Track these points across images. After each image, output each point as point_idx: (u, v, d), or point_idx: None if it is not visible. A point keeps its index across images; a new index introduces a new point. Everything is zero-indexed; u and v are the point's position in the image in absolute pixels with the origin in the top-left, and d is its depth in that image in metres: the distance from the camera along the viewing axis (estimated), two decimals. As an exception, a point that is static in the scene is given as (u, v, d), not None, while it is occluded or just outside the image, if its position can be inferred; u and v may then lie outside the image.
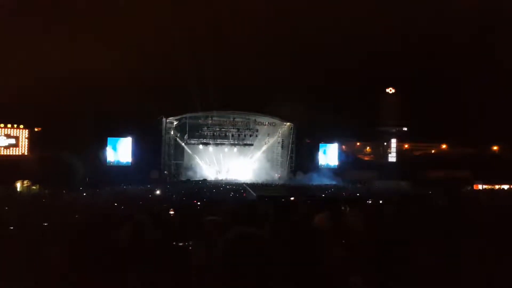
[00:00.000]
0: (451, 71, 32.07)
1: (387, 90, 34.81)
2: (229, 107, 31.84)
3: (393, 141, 35.64)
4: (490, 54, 29.68)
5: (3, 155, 26.68)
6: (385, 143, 35.85)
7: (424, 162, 35.34)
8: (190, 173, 32.36)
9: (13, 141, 27.17)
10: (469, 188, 27.31)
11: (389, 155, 35.46)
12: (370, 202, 12.86)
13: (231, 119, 32.71)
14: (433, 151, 42.47)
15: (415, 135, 36.46)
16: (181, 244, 3.58)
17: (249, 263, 2.39)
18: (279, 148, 33.81)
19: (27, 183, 23.05)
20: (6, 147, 26.98)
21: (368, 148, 41.83)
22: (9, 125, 27.20)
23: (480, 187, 28.53)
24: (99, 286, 2.86)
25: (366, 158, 40.24)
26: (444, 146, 42.41)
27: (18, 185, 22.77)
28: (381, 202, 12.72)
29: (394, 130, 35.10)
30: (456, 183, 26.42)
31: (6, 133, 27.15)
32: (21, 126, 27.43)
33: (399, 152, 36.36)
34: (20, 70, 24.38)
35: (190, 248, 3.50)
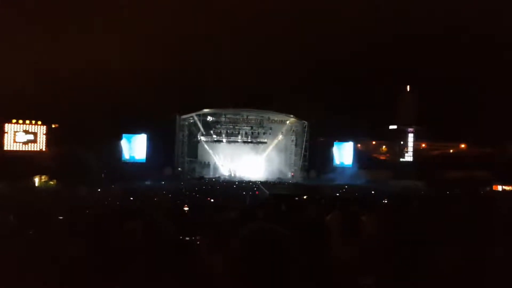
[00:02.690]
0: (470, 69, 31.39)
1: (404, 89, 34.29)
2: (242, 105, 31.85)
3: (410, 140, 35.12)
4: (510, 52, 28.94)
5: (22, 151, 27.26)
6: (401, 142, 35.34)
7: (442, 162, 34.66)
8: (203, 171, 32.52)
9: (31, 137, 27.75)
10: (488, 189, 26.69)
11: (406, 154, 34.96)
12: (385, 202, 12.67)
13: (245, 117, 32.69)
14: (451, 151, 41.68)
15: (432, 134, 35.79)
16: (188, 238, 3.55)
17: (260, 259, 2.33)
18: (293, 146, 33.63)
19: (44, 178, 23.50)
20: (25, 143, 27.57)
21: (384, 147, 41.29)
22: (27, 121, 27.78)
23: (499, 188, 27.86)
24: (105, 280, 2.87)
25: (381, 157, 39.74)
26: (462, 145, 41.58)
27: (36, 180, 23.23)
28: (395, 203, 12.50)
29: (410, 129, 34.57)
30: (475, 184, 25.83)
31: (24, 129, 27.73)
32: (39, 123, 27.97)
33: (416, 151, 35.82)
34: (38, 67, 24.82)
35: (198, 243, 3.48)
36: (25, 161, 24.71)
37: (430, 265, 3.44)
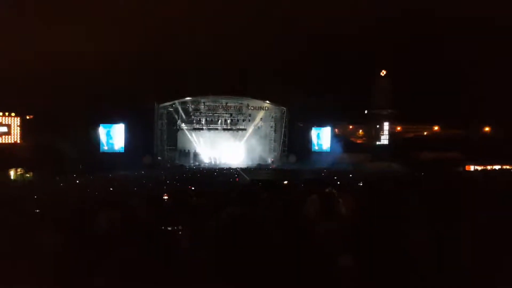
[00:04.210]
0: (442, 52, 32.10)
1: (379, 73, 34.76)
2: (221, 92, 31.73)
3: (386, 124, 35.80)
4: (482, 35, 29.69)
5: (-4, 143, 26.48)
6: (377, 126, 35.98)
7: (416, 144, 35.65)
8: (183, 159, 32.42)
9: (5, 129, 26.93)
10: (460, 169, 27.67)
11: (382, 137, 35.66)
12: (361, 184, 13.04)
13: (224, 104, 32.63)
14: (425, 133, 42.79)
15: (407, 117, 36.61)
16: (170, 228, 3.65)
17: (241, 243, 2.43)
18: (272, 132, 33.87)
19: (20, 170, 22.96)
20: (-2, 135, 26.76)
21: (360, 131, 42.03)
22: (0, 113, 26.91)
23: (472, 168, 28.87)
24: (88, 269, 2.92)
25: (358, 141, 40.49)
26: (436, 128, 42.73)
27: (12, 173, 22.68)
28: (372, 184, 12.89)
29: (386, 113, 35.19)
30: (448, 165, 26.76)
31: (-3, 121, 26.88)
32: (13, 114, 27.14)
33: (391, 134, 36.58)
34: (10, 56, 23.96)
35: (180, 232, 3.58)
36: (-1, 154, 24.07)
37: (404, 242, 3.61)
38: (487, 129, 38.91)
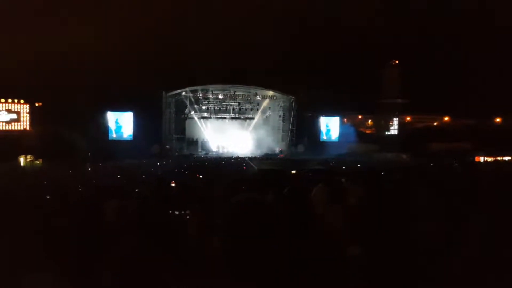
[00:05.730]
0: (453, 42, 31.56)
1: (389, 62, 34.29)
2: (230, 80, 31.60)
3: (395, 114, 35.45)
4: (492, 23, 29.07)
5: (5, 130, 26.79)
6: (387, 116, 35.65)
7: (426, 135, 35.28)
8: (191, 147, 32.53)
9: (14, 116, 27.23)
10: (470, 159, 27.35)
11: (391, 127, 35.34)
12: (370, 174, 12.94)
13: (232, 93, 32.52)
14: (435, 124, 42.32)
15: (417, 107, 36.20)
16: (177, 212, 3.64)
17: (248, 227, 2.40)
18: (280, 121, 33.75)
19: (30, 157, 23.23)
20: (8, 122, 27.07)
21: (370, 121, 41.70)
22: (9, 100, 27.18)
23: (481, 159, 28.52)
24: (96, 256, 2.91)
25: (367, 131, 40.20)
26: (446, 118, 42.23)
27: (21, 160, 22.97)
28: (382, 174, 12.79)
29: (396, 103, 34.81)
30: (457, 155, 26.46)
31: (7, 108, 27.15)
32: (22, 101, 27.38)
33: (401, 124, 36.24)
34: (20, 44, 24.10)
35: (188, 217, 3.56)
36: (9, 141, 24.35)
37: (414, 233, 3.56)
38: (498, 119, 38.36)
